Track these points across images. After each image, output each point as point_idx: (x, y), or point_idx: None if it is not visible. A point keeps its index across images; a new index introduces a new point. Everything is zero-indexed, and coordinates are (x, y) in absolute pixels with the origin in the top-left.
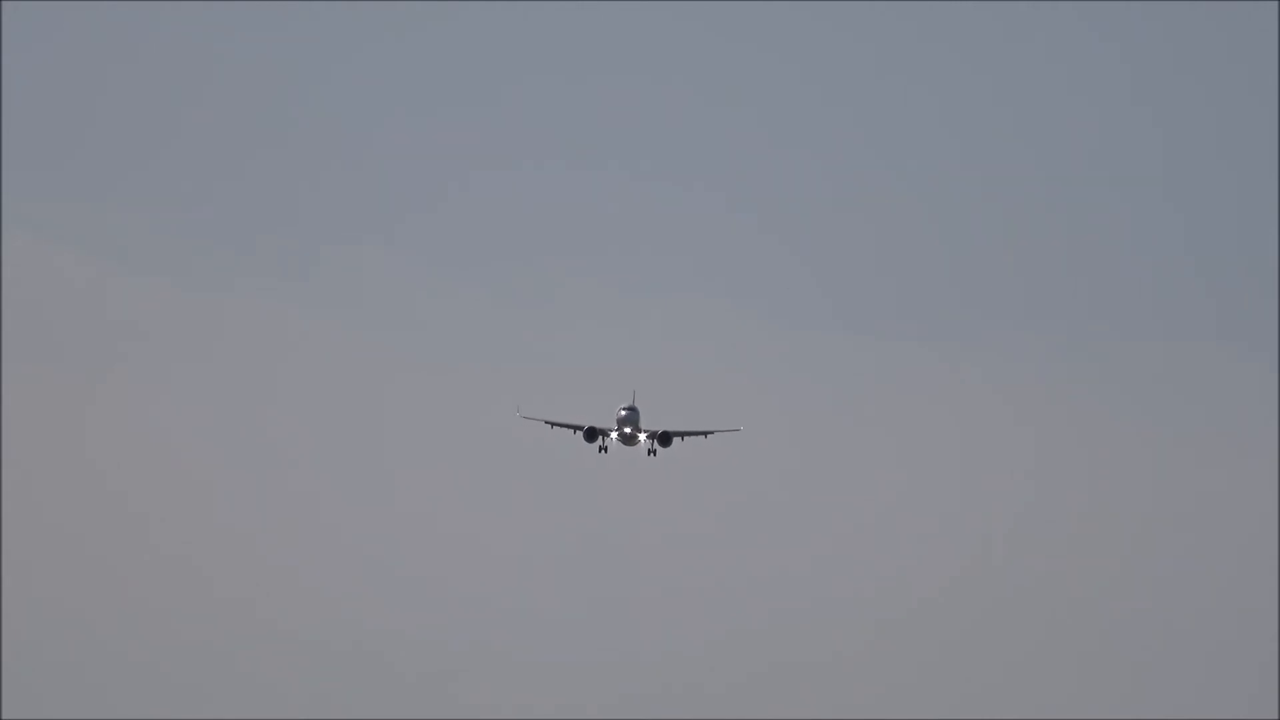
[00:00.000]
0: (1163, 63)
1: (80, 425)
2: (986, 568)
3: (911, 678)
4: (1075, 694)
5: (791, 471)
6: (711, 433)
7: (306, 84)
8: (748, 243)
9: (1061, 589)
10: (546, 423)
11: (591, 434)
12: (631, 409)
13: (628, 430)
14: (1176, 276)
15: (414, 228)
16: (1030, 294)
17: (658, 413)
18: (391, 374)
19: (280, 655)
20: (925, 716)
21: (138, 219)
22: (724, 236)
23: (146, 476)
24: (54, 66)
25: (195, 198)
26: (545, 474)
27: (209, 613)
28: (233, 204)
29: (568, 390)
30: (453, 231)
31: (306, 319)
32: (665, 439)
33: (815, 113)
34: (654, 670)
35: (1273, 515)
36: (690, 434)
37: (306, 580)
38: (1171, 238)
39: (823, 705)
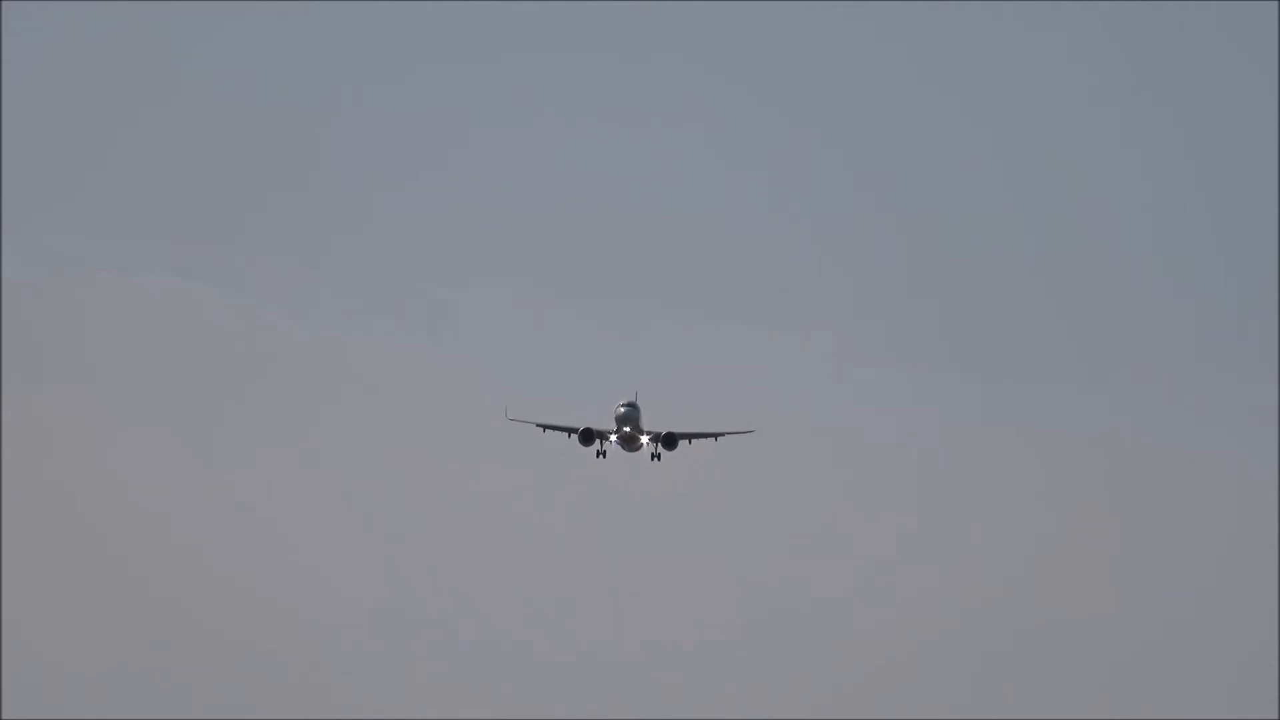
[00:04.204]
0: (1163, 64)
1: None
2: (993, 583)
3: (918, 687)
4: (1075, 697)
5: (807, 478)
6: (722, 435)
7: (306, 83)
8: (764, 242)
9: (1063, 597)
10: (537, 425)
11: (588, 436)
12: (631, 405)
13: (627, 430)
14: (1178, 288)
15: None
16: (1037, 310)
17: (663, 414)
18: (374, 367)
19: (278, 658)
20: (928, 717)
21: (135, 220)
22: (739, 239)
23: (142, 477)
24: (54, 67)
25: (195, 197)
26: (535, 483)
27: (210, 614)
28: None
29: (562, 390)
30: (463, 226)
31: (295, 315)
32: (670, 441)
33: (834, 117)
34: (660, 685)
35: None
36: (698, 436)
37: (297, 587)
38: (1169, 241)
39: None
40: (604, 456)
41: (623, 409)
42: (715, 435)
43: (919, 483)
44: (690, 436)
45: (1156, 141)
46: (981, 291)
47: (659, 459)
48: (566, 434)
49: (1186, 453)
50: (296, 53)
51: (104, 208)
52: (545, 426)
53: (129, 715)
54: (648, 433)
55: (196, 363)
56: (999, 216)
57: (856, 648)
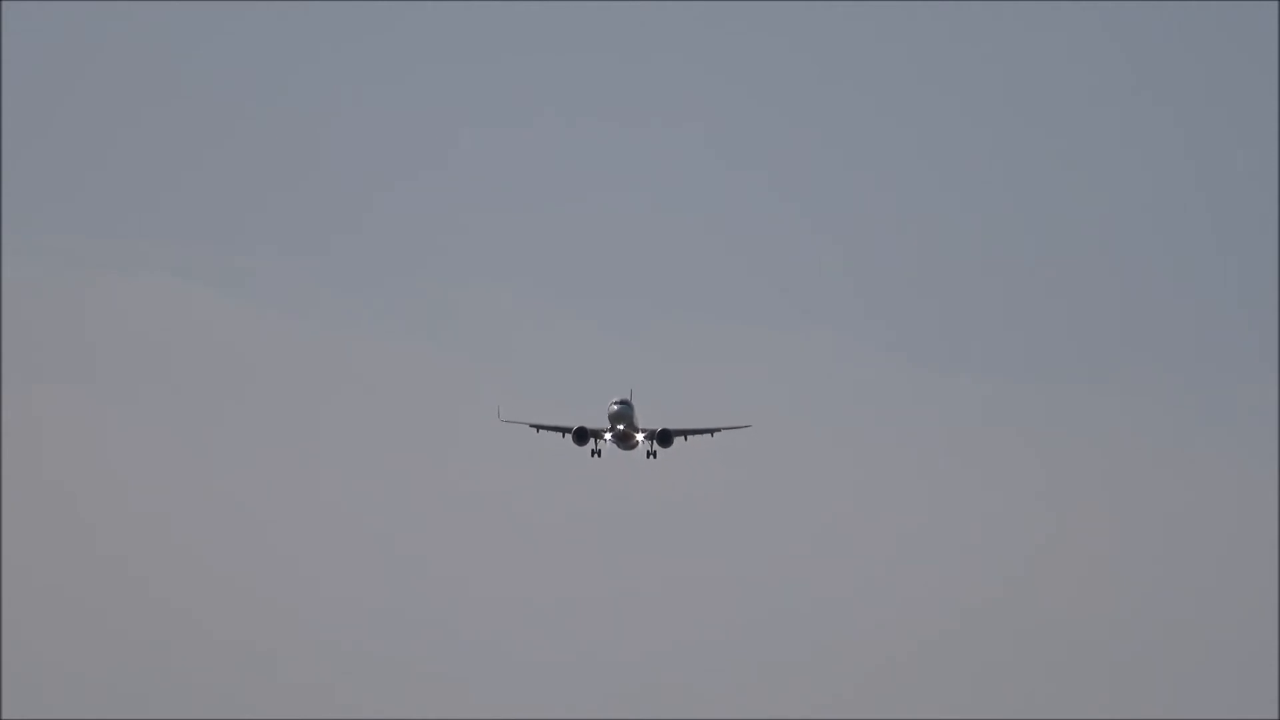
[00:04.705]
0: (1164, 64)
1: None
2: (993, 583)
3: (918, 687)
4: (1076, 697)
5: (807, 478)
6: (718, 430)
7: (306, 83)
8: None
9: (1063, 597)
10: (531, 426)
11: (582, 435)
12: (624, 403)
13: (621, 428)
14: (1177, 291)
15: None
16: (1037, 310)
17: (664, 414)
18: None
19: (277, 658)
20: (931, 717)
21: (135, 220)
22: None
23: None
24: (54, 67)
25: (195, 197)
26: (532, 483)
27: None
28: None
29: (562, 390)
30: (464, 224)
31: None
32: (665, 438)
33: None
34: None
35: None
36: (694, 432)
37: (296, 587)
38: (1169, 241)
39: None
40: (599, 456)
41: (615, 407)
42: (711, 431)
43: (918, 483)
44: (686, 433)
45: (1156, 141)
46: (981, 291)
47: (654, 456)
48: (561, 434)
49: (1186, 453)
50: (296, 53)
51: (104, 208)
52: (539, 427)
53: (129, 715)
54: (643, 430)
55: (196, 363)
56: (999, 216)
57: (857, 648)
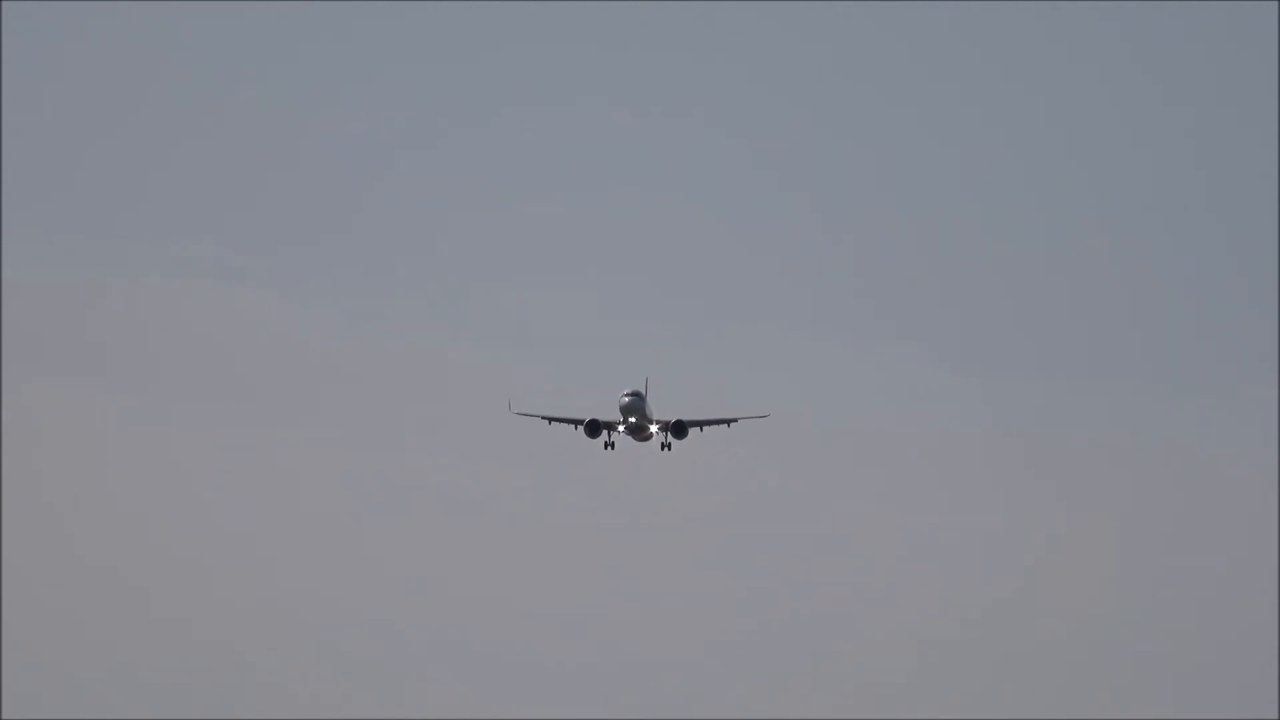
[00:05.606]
0: (1165, 64)
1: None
2: (996, 584)
3: (926, 688)
4: (1079, 697)
5: (816, 478)
6: (735, 420)
7: (308, 82)
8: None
9: (1064, 597)
10: (543, 418)
11: (594, 428)
12: (636, 394)
13: (633, 420)
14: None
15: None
16: (1039, 310)
17: (675, 408)
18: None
19: (280, 659)
20: (939, 717)
21: (136, 220)
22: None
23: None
24: (54, 67)
25: (196, 196)
26: (544, 478)
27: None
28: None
29: (571, 384)
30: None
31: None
32: (680, 429)
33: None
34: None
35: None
36: (710, 423)
37: (300, 587)
38: (1171, 241)
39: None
40: (612, 448)
41: (626, 399)
42: (728, 421)
43: (921, 482)
44: (701, 424)
45: (1159, 141)
46: (983, 290)
47: (669, 449)
48: (573, 426)
49: (1187, 453)
50: (297, 51)
51: (104, 208)
52: (551, 419)
53: (129, 715)
54: (656, 422)
55: (196, 363)
56: (1001, 216)
57: (863, 648)
